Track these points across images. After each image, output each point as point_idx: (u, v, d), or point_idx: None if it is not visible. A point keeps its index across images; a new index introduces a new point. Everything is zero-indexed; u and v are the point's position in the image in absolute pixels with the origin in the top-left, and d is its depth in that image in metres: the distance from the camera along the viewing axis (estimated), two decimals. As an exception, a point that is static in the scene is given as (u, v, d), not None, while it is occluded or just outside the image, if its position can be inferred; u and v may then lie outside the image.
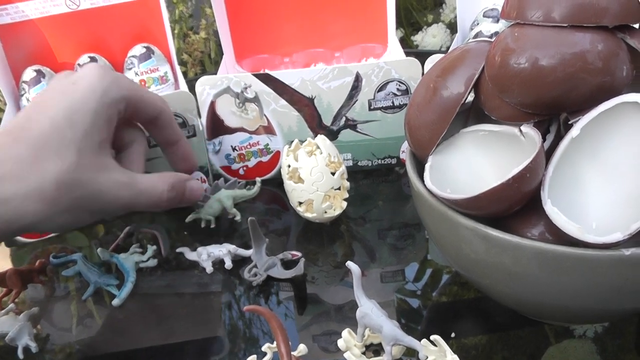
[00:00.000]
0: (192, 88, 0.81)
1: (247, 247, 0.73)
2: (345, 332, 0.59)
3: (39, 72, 0.81)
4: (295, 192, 0.73)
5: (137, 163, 0.67)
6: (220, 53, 1.32)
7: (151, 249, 0.74)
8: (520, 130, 0.53)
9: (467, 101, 0.57)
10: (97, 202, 0.60)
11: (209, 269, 0.71)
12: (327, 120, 0.83)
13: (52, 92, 0.62)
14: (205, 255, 0.72)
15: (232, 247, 0.72)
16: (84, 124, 0.59)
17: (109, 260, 0.73)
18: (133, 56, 0.84)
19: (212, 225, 0.79)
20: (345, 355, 0.57)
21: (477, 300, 0.65)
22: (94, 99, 0.60)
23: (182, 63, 1.41)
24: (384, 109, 0.82)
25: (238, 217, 0.80)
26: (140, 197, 0.62)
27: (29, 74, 0.81)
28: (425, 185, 0.56)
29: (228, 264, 0.71)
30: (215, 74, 0.85)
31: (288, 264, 0.70)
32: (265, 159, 0.86)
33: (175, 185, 0.65)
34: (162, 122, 0.69)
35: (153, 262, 0.73)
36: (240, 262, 0.72)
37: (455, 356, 0.53)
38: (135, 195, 0.61)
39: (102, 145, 0.61)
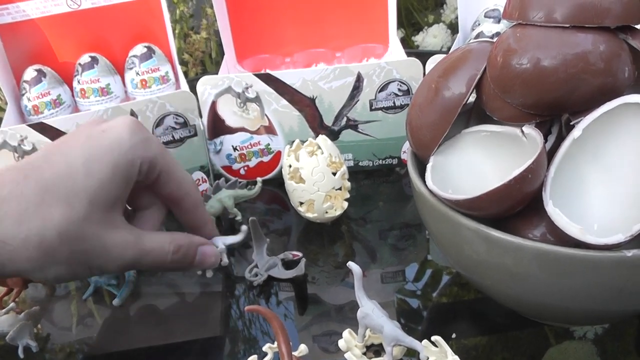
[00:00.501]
0: (192, 88, 0.81)
1: (248, 247, 0.73)
2: (346, 333, 0.59)
3: (40, 72, 0.81)
4: (296, 192, 0.73)
5: (151, 225, 0.62)
6: (221, 53, 1.32)
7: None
8: (522, 131, 0.53)
9: (468, 102, 0.57)
10: (98, 259, 0.55)
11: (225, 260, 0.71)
12: (328, 121, 0.83)
13: (78, 135, 0.57)
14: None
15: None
16: (101, 175, 0.54)
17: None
18: (134, 56, 0.84)
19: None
20: (346, 355, 0.57)
21: (477, 301, 0.65)
22: (119, 152, 0.55)
23: (182, 63, 1.41)
24: (385, 109, 0.82)
25: (239, 217, 0.80)
26: (144, 257, 0.57)
27: (29, 73, 0.81)
28: (426, 186, 0.56)
29: (225, 261, 0.71)
30: (216, 73, 0.85)
31: (289, 264, 0.69)
32: (266, 159, 0.86)
33: (183, 248, 0.59)
34: (188, 206, 0.63)
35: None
36: (241, 261, 0.72)
37: (456, 357, 0.53)
38: (139, 255, 0.57)
39: (115, 202, 0.56)
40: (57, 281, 0.62)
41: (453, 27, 1.40)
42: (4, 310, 0.65)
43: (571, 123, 0.51)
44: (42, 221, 0.52)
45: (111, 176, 0.54)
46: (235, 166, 0.87)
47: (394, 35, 0.93)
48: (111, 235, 0.55)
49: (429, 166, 0.58)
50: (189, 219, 0.63)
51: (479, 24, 0.84)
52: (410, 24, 1.53)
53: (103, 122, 0.58)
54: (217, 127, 0.84)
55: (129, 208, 0.63)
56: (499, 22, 0.83)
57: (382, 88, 0.81)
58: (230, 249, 0.73)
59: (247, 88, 0.80)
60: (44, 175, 0.53)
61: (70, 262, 0.54)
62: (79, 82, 0.82)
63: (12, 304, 0.66)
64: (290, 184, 0.74)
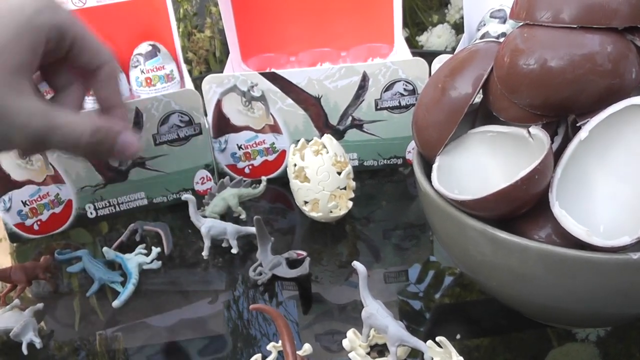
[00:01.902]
0: (197, 86, 0.81)
1: (252, 245, 0.73)
2: (350, 332, 0.59)
3: (45, 69, 0.81)
4: (301, 191, 0.73)
5: (71, 106, 0.58)
6: (225, 52, 1.32)
7: (155, 250, 0.74)
8: (529, 132, 0.53)
9: (475, 102, 0.57)
10: (1, 125, 0.51)
11: (236, 248, 0.73)
12: (333, 120, 0.83)
13: None
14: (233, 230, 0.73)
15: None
16: (3, 39, 0.51)
17: (114, 260, 0.73)
18: (139, 54, 0.84)
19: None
20: (350, 355, 0.57)
21: (479, 302, 0.65)
22: (21, 15, 0.52)
23: (187, 61, 1.40)
24: (391, 108, 0.82)
25: (243, 216, 0.80)
26: (54, 132, 0.53)
27: (35, 70, 0.81)
28: (432, 186, 0.56)
29: (235, 249, 0.73)
30: (221, 72, 0.85)
31: (293, 263, 0.69)
32: (271, 157, 0.86)
33: (101, 131, 0.55)
34: (103, 76, 0.59)
35: (157, 264, 0.73)
36: (245, 260, 0.72)
37: (461, 358, 0.53)
38: (48, 127, 0.52)
39: (21, 68, 0.52)
40: None
41: (457, 27, 1.40)
42: (8, 307, 0.65)
43: (578, 124, 0.51)
44: None
45: (14, 39, 0.52)
46: (240, 165, 0.87)
47: (399, 35, 0.92)
48: (15, 100, 0.52)
49: (435, 166, 0.57)
50: (103, 92, 0.59)
51: (485, 24, 0.84)
52: (414, 23, 1.53)
53: None
54: (222, 125, 0.84)
55: (48, 89, 0.60)
56: (504, 22, 0.83)
57: (388, 88, 0.80)
58: (239, 243, 0.73)
59: (252, 87, 0.80)
60: None
61: None
62: (84, 79, 0.82)
63: (16, 301, 0.67)
64: (295, 183, 0.74)
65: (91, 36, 0.57)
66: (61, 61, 0.57)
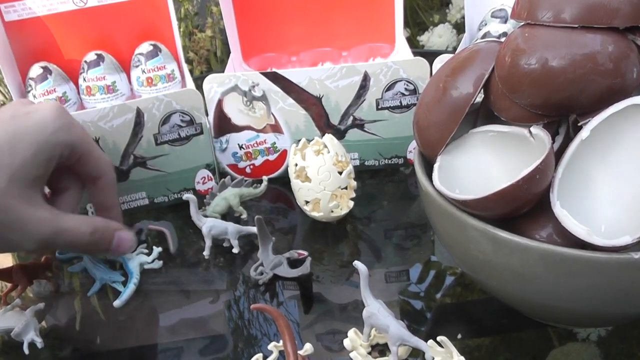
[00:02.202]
0: (198, 86, 0.81)
1: (254, 245, 0.73)
2: (352, 332, 0.59)
3: (46, 69, 0.81)
4: (302, 191, 0.73)
5: (70, 207, 0.65)
6: (226, 51, 1.32)
7: (156, 250, 0.74)
8: (530, 132, 0.53)
9: (476, 101, 0.57)
10: (14, 233, 0.57)
11: (237, 248, 0.74)
12: (334, 120, 0.83)
13: (4, 113, 0.60)
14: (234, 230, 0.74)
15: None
16: (24, 155, 0.57)
17: (115, 259, 0.73)
18: (140, 54, 0.84)
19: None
20: (351, 355, 0.57)
21: (480, 301, 0.65)
22: (42, 134, 0.59)
23: (188, 61, 1.40)
24: (392, 108, 0.82)
25: (244, 216, 0.80)
26: (61, 235, 0.59)
27: (35, 70, 0.81)
28: (433, 186, 0.56)
29: (236, 249, 0.73)
30: (222, 72, 0.85)
31: (294, 263, 0.69)
32: (272, 157, 0.86)
33: (99, 230, 0.62)
34: (102, 185, 0.67)
35: (158, 264, 0.73)
36: (246, 260, 0.72)
37: (462, 357, 0.53)
38: (55, 232, 0.59)
39: (35, 181, 0.59)
40: None
41: (458, 27, 1.40)
42: (9, 306, 0.65)
43: (579, 124, 0.51)
44: None
45: (33, 156, 0.58)
46: (241, 164, 0.87)
47: (400, 34, 0.92)
48: (28, 211, 0.57)
49: (436, 166, 0.57)
50: (100, 197, 0.67)
51: (486, 24, 0.84)
52: (415, 23, 1.53)
53: (29, 104, 0.62)
54: (223, 125, 0.84)
55: (48, 191, 0.66)
56: (505, 22, 0.83)
57: (389, 87, 0.80)
58: (240, 243, 0.74)
59: (253, 86, 0.80)
60: None
61: None
62: (84, 79, 0.82)
63: (17, 300, 0.67)
64: (296, 183, 0.74)
65: (96, 150, 0.65)
66: (65, 168, 0.64)
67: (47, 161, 0.59)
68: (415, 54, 0.85)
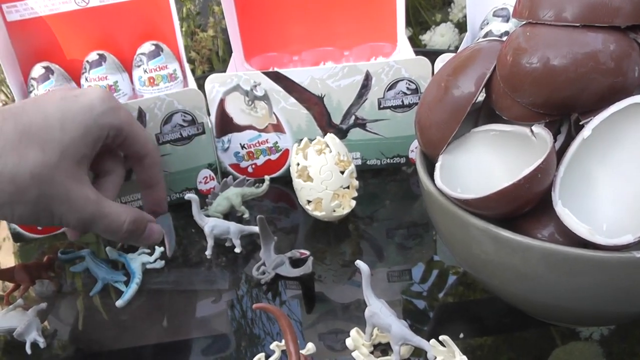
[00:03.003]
0: (200, 86, 0.81)
1: (256, 245, 0.73)
2: (354, 331, 0.59)
3: (48, 69, 0.81)
4: (304, 190, 0.73)
5: (111, 192, 0.67)
6: (228, 51, 1.32)
7: (158, 250, 0.74)
8: (532, 131, 0.53)
9: (478, 101, 0.57)
10: (62, 206, 0.59)
11: (239, 247, 0.74)
12: (336, 119, 0.83)
13: (52, 95, 0.63)
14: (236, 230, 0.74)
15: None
16: (74, 133, 0.60)
17: (117, 259, 0.73)
18: (142, 53, 0.84)
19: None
20: (354, 354, 0.57)
21: (483, 301, 0.65)
22: (90, 115, 0.61)
23: (189, 61, 1.40)
24: (394, 107, 0.82)
25: (246, 215, 0.80)
26: (102, 219, 0.62)
27: (37, 70, 0.81)
28: (435, 185, 0.56)
29: (238, 249, 0.74)
30: (223, 71, 0.85)
31: (296, 263, 0.69)
32: (274, 157, 0.86)
33: (137, 221, 0.64)
34: (147, 163, 0.69)
35: (160, 264, 0.73)
36: (248, 259, 0.73)
37: (464, 357, 0.53)
38: (98, 215, 0.61)
39: (82, 159, 0.61)
40: (19, 221, 0.64)
41: (460, 26, 1.40)
42: (11, 306, 0.66)
43: (581, 123, 0.51)
44: (18, 158, 0.57)
45: (82, 135, 0.60)
46: (243, 164, 0.87)
47: (402, 34, 0.92)
48: (76, 187, 0.60)
49: (437, 165, 0.57)
50: (148, 176, 0.70)
51: (488, 23, 0.84)
52: (417, 22, 1.53)
53: (76, 89, 0.65)
54: (225, 125, 0.84)
55: (91, 173, 0.67)
56: (507, 21, 0.82)
57: (391, 87, 0.80)
58: (242, 243, 0.74)
59: (255, 86, 0.81)
60: (23, 120, 0.58)
61: (36, 203, 0.58)
62: (86, 79, 0.82)
63: (19, 300, 0.67)
64: (298, 182, 0.74)
65: (142, 131, 0.68)
66: (109, 152, 0.68)
67: (94, 141, 0.62)
68: (417, 53, 0.85)
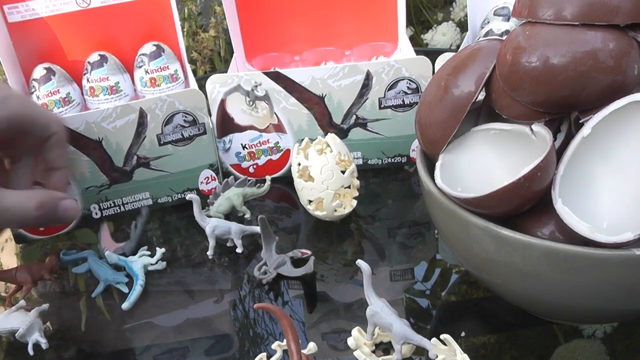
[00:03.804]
0: (201, 86, 0.82)
1: (257, 245, 0.73)
2: (355, 331, 0.59)
3: (49, 70, 0.81)
4: (305, 190, 0.73)
5: (22, 179, 0.63)
6: (230, 51, 1.32)
7: (160, 251, 0.74)
8: (531, 129, 0.53)
9: (478, 100, 0.57)
10: None
11: (240, 248, 0.74)
12: (337, 119, 0.83)
13: None
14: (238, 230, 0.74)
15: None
16: None
17: (117, 263, 0.73)
18: (143, 54, 0.84)
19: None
20: (355, 353, 0.57)
21: (486, 299, 0.65)
22: None
23: (191, 61, 1.41)
24: (395, 107, 0.82)
25: (248, 215, 0.80)
26: (4, 214, 0.57)
27: (39, 71, 0.81)
28: (435, 184, 0.56)
29: (239, 249, 0.74)
30: (226, 72, 0.85)
31: (298, 262, 0.70)
32: (275, 157, 0.86)
33: (44, 204, 0.59)
34: (51, 143, 0.63)
35: (162, 265, 0.73)
36: (250, 259, 0.73)
37: (465, 355, 0.53)
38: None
39: None
40: None
41: (462, 25, 1.40)
42: (14, 307, 0.66)
43: (580, 121, 0.51)
44: None
45: None
46: (245, 164, 0.87)
47: (403, 33, 0.92)
48: None
49: (438, 164, 0.58)
50: (49, 156, 0.63)
51: (488, 22, 0.84)
52: (419, 21, 1.53)
53: None
54: (226, 125, 0.84)
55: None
56: (508, 20, 0.83)
57: (391, 86, 0.81)
58: (244, 243, 0.74)
59: (256, 86, 0.81)
60: None
61: None
62: (88, 80, 0.82)
63: (21, 302, 0.67)
64: (299, 182, 0.74)
65: (42, 112, 0.62)
66: (5, 141, 0.61)
67: None
68: (418, 52, 0.85)
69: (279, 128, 0.84)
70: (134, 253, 0.75)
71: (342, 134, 0.83)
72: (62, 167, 0.65)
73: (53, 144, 0.63)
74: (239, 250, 0.73)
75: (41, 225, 0.70)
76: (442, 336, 0.54)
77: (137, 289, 0.69)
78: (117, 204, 0.81)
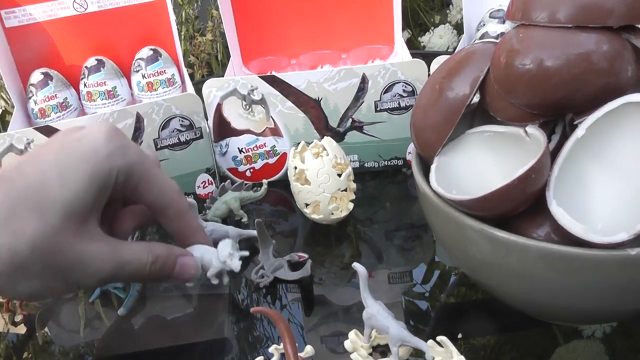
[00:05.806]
0: (199, 90, 0.82)
1: (254, 248, 0.73)
2: (352, 333, 0.59)
3: (47, 75, 0.81)
4: (301, 193, 0.74)
5: (130, 227, 0.60)
6: (227, 55, 1.33)
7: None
8: (526, 131, 0.53)
9: (472, 102, 0.57)
10: (74, 273, 0.51)
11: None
12: (333, 122, 0.83)
13: (52, 143, 0.54)
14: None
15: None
16: (76, 186, 0.51)
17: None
18: (140, 59, 0.84)
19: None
20: (352, 356, 0.57)
21: (484, 301, 0.65)
22: (94, 161, 0.52)
23: (188, 65, 1.41)
24: (390, 110, 0.82)
25: (245, 219, 0.80)
26: (123, 269, 0.54)
27: (36, 76, 0.81)
28: (431, 187, 0.56)
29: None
30: (223, 75, 0.85)
31: (295, 266, 0.70)
32: (271, 160, 0.86)
33: (161, 258, 0.56)
34: (172, 216, 0.58)
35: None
36: (247, 263, 0.73)
37: (462, 357, 0.53)
38: (117, 266, 0.53)
39: (90, 212, 0.52)
40: (31, 298, 0.58)
41: (459, 28, 1.40)
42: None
43: (575, 123, 0.51)
44: (13, 235, 0.48)
45: (87, 186, 0.51)
46: (241, 168, 0.87)
47: (399, 36, 0.93)
48: (87, 248, 0.52)
49: (433, 167, 0.58)
50: (175, 227, 0.60)
51: (484, 25, 0.84)
52: (416, 24, 1.53)
53: (80, 130, 0.55)
54: (223, 129, 0.84)
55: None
56: (503, 22, 0.83)
57: (387, 89, 0.81)
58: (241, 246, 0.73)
59: (252, 90, 0.81)
60: (16, 186, 0.50)
61: (44, 276, 0.50)
62: (85, 85, 0.83)
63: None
64: (295, 186, 0.74)
65: (158, 175, 0.57)
66: (121, 197, 0.58)
67: (101, 189, 0.53)
68: (415, 55, 0.86)
69: (275, 132, 0.84)
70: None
71: (339, 137, 0.83)
72: (193, 233, 0.60)
73: (175, 216, 0.59)
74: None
75: (155, 281, 0.66)
76: (438, 338, 0.54)
77: (134, 294, 0.69)
78: (114, 208, 0.81)
